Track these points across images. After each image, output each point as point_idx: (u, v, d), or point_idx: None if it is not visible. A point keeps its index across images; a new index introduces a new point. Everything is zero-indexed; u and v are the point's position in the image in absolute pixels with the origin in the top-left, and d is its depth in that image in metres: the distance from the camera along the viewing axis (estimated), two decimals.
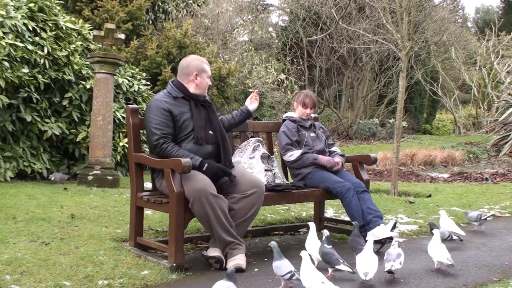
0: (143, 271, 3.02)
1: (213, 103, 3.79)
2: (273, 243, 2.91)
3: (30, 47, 6.12)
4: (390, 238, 3.68)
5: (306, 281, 2.73)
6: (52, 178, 6.07)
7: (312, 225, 3.50)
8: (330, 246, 3.18)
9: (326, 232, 3.27)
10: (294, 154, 4.14)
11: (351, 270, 3.03)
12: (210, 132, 3.46)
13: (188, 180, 3.16)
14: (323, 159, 4.13)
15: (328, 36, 14.59)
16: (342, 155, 4.30)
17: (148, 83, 8.36)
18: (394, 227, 3.89)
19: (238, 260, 3.19)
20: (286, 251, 3.71)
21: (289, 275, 2.79)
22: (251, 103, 4.03)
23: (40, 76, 6.23)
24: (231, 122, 3.92)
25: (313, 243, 3.39)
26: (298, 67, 15.57)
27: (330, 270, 3.14)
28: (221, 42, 13.37)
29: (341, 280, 3.05)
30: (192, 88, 3.51)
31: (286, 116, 4.37)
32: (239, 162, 3.76)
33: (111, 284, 2.78)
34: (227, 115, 3.98)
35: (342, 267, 3.05)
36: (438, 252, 3.30)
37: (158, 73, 9.92)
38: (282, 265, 2.83)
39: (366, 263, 2.98)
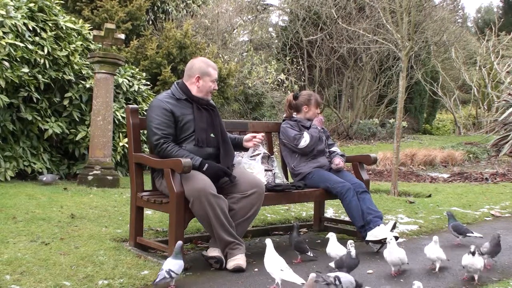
0: (143, 271, 3.02)
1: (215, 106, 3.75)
2: (179, 242, 2.89)
3: (30, 47, 6.11)
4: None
5: (269, 267, 2.86)
6: (44, 179, 5.89)
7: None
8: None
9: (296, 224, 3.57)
10: (306, 139, 4.14)
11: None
12: (212, 135, 3.45)
13: (188, 180, 3.16)
14: None
15: (328, 36, 14.59)
16: (342, 155, 4.30)
17: (148, 83, 8.36)
18: (394, 227, 3.89)
19: (238, 260, 3.19)
20: (285, 251, 3.71)
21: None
22: (249, 142, 3.76)
23: (40, 76, 6.23)
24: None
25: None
26: (298, 67, 15.57)
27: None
28: (221, 42, 13.37)
29: None
30: (194, 90, 3.49)
31: (286, 116, 4.38)
32: (239, 163, 3.75)
33: (111, 284, 2.78)
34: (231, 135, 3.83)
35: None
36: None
37: (158, 73, 9.93)
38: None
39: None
